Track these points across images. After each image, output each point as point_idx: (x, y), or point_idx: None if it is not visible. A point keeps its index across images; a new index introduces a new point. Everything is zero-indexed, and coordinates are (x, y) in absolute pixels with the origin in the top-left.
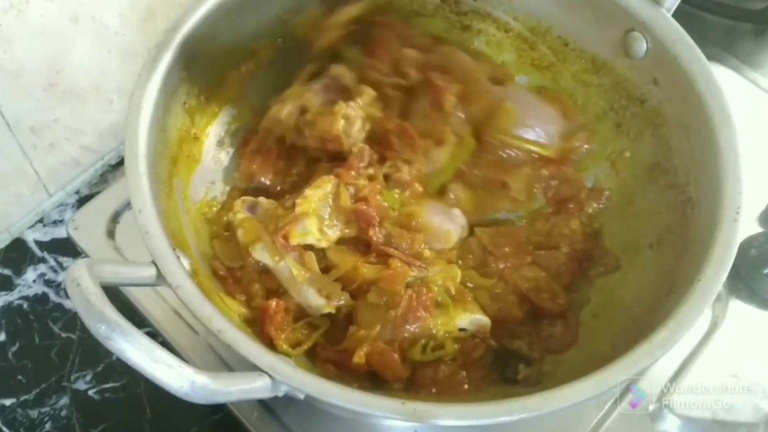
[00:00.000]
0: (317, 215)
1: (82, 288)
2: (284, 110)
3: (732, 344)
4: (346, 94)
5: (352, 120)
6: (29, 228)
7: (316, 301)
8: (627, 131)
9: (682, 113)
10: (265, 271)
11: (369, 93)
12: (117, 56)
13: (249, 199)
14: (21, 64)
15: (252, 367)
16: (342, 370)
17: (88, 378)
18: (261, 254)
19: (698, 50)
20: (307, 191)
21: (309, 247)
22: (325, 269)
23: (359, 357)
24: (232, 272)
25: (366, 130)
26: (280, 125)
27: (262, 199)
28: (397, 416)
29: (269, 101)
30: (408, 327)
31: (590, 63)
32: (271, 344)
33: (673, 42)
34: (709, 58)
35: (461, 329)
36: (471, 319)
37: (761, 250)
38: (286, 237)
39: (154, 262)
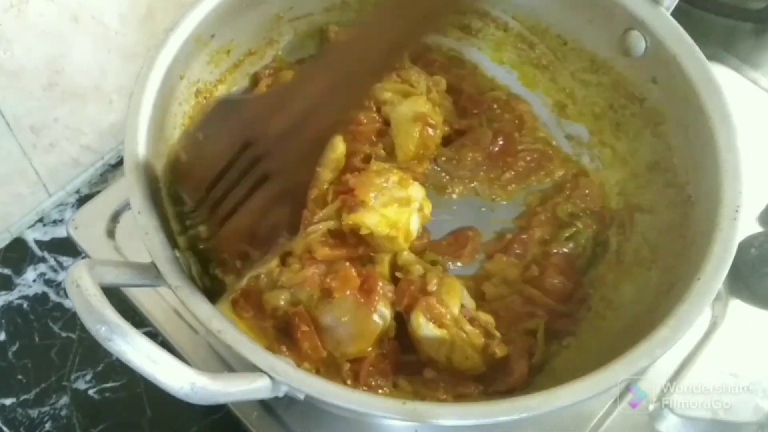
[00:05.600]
0: None
1: (82, 289)
2: None
3: (732, 344)
4: None
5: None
6: (29, 227)
7: None
8: (626, 130)
9: (681, 112)
10: None
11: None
12: (117, 56)
13: None
14: (21, 64)
15: (252, 368)
16: None
17: (88, 378)
18: None
19: (697, 49)
20: None
21: None
22: None
23: None
24: None
25: None
26: None
27: None
28: (397, 416)
29: None
30: None
31: (589, 62)
32: None
33: (672, 41)
34: (709, 57)
35: None
36: None
37: (761, 249)
38: None
39: (153, 263)
